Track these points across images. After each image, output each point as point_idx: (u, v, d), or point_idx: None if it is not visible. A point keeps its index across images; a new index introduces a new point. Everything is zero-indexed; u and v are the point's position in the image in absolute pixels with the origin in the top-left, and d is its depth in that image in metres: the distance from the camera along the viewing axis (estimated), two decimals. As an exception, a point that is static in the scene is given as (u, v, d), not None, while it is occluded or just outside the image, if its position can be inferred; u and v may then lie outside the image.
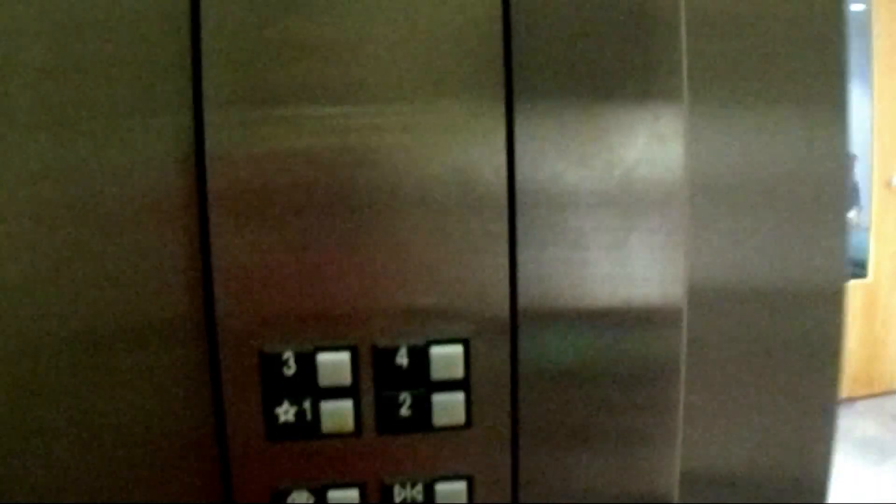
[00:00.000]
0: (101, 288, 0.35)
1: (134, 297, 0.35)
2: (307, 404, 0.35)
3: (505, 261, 0.35)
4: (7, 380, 0.35)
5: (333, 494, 0.37)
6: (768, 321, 0.40)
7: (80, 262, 0.34)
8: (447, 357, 0.36)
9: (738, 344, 0.40)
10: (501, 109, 0.34)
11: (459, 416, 0.36)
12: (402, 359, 0.35)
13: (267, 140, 0.34)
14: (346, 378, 0.35)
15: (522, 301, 0.36)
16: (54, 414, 0.35)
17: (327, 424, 0.36)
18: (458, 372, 0.36)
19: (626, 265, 0.36)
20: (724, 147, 0.38)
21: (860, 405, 3.12)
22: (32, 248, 0.34)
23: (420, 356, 0.35)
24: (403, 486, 0.37)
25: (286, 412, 0.35)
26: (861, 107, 2.89)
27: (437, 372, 0.36)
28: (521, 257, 0.35)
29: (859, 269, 3.21)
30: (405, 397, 0.36)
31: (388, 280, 0.35)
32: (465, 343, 0.36)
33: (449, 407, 0.36)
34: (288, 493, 0.36)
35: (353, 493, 0.37)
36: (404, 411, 0.36)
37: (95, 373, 0.35)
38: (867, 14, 3.03)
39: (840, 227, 0.40)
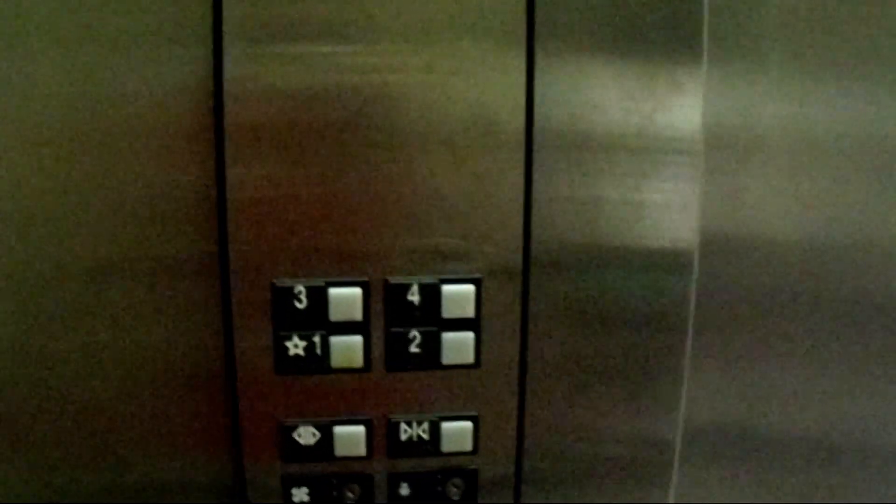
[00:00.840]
0: (113, 217, 0.34)
1: (147, 227, 0.35)
2: (317, 338, 0.36)
3: (520, 201, 0.35)
4: (17, 307, 0.35)
5: (339, 430, 0.37)
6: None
7: (94, 191, 0.34)
8: (459, 296, 0.36)
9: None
10: (523, 50, 0.34)
11: (468, 356, 0.36)
12: (414, 296, 0.35)
13: (285, 75, 0.33)
14: (356, 313, 0.35)
15: (535, 241, 0.36)
16: (61, 342, 0.35)
17: (336, 359, 0.36)
18: (469, 311, 0.36)
19: (640, 209, 0.36)
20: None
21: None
22: (46, 176, 0.34)
23: (432, 294, 0.35)
24: (409, 423, 0.37)
25: (296, 346, 0.36)
26: None
27: (448, 310, 0.36)
28: (536, 198, 0.35)
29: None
30: (415, 334, 0.36)
31: (402, 217, 0.35)
32: (477, 283, 0.36)
33: (458, 346, 0.36)
34: (294, 427, 0.37)
35: (359, 430, 0.37)
36: (413, 348, 0.36)
37: (106, 302, 0.35)
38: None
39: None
